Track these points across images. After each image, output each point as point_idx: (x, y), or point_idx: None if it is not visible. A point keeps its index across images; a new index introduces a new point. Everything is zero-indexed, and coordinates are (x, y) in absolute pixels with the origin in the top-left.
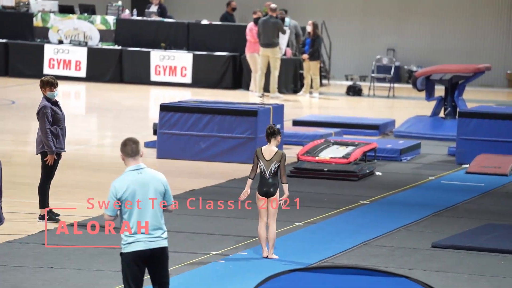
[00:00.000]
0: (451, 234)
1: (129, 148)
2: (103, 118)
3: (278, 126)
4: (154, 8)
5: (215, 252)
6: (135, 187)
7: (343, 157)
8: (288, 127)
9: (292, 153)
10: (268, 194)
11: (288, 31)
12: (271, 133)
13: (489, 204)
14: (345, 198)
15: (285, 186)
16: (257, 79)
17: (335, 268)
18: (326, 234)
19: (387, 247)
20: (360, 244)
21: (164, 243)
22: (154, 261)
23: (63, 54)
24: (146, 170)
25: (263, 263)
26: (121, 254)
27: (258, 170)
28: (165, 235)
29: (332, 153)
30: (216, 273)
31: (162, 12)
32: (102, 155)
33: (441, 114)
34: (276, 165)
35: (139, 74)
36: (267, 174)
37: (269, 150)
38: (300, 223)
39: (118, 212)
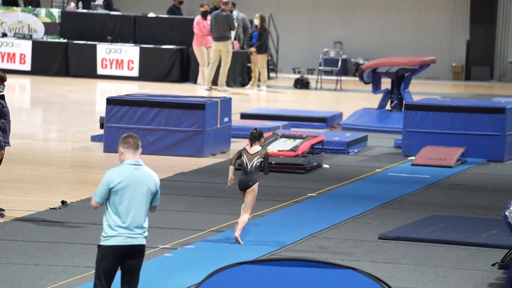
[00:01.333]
0: (397, 226)
1: (132, 140)
2: (49, 112)
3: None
4: (100, 1)
5: (162, 246)
6: (129, 182)
7: (291, 150)
8: (236, 120)
9: (239, 146)
10: (246, 188)
11: (236, 25)
12: (258, 136)
13: (435, 195)
14: (292, 191)
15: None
16: (206, 72)
17: (283, 260)
18: (274, 227)
19: (335, 239)
20: (308, 237)
21: (144, 241)
22: (131, 258)
23: (7, 47)
24: (144, 168)
25: (211, 256)
26: (99, 246)
27: (240, 164)
28: (146, 233)
29: (280, 146)
30: (163, 266)
31: (108, 5)
32: (47, 149)
33: (388, 107)
34: (259, 160)
35: (85, 68)
36: (249, 167)
37: (254, 148)
38: (249, 216)
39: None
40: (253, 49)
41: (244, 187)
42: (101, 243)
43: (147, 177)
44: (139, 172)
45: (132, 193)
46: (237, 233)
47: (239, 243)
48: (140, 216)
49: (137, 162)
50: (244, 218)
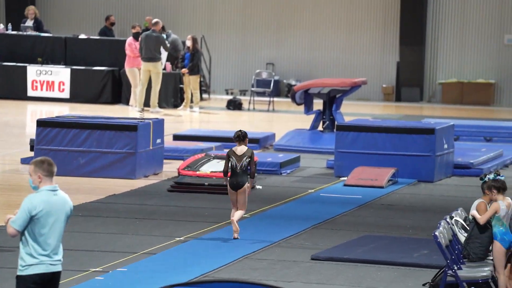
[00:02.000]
0: (330, 247)
1: (48, 168)
2: None
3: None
4: (29, 23)
5: (93, 269)
6: (50, 209)
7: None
8: (168, 142)
9: (172, 167)
10: (237, 187)
11: (168, 45)
12: (242, 137)
13: (366, 216)
14: (226, 212)
15: (251, 181)
16: (137, 94)
17: (216, 282)
18: (207, 248)
19: (268, 260)
20: (241, 258)
21: (61, 268)
22: (50, 286)
23: None
24: (60, 193)
25: (143, 279)
26: (19, 277)
27: (230, 166)
28: (62, 260)
29: (213, 167)
30: None
31: (38, 26)
32: None
33: (320, 128)
34: (247, 160)
35: (15, 90)
36: (238, 168)
37: (240, 148)
38: (181, 238)
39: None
40: (185, 70)
41: (235, 187)
42: (20, 273)
43: (64, 203)
44: (57, 198)
45: (53, 220)
46: (236, 234)
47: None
48: (58, 243)
49: (54, 188)
50: (236, 215)
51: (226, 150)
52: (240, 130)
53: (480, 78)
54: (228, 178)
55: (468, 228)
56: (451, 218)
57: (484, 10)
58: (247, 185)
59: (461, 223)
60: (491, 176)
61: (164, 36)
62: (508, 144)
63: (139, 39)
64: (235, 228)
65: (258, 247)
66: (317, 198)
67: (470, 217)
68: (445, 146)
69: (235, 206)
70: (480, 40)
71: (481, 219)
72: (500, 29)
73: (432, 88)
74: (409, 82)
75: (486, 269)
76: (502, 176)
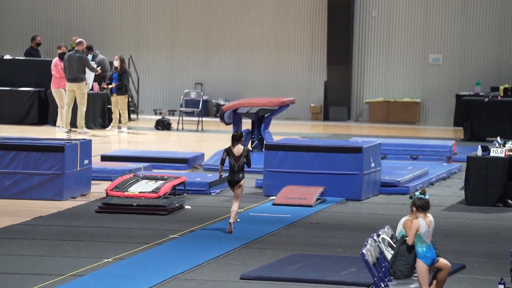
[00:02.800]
0: (259, 266)
1: None
2: None
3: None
4: None
5: None
6: None
7: (153, 191)
8: (96, 163)
9: (100, 188)
10: (234, 183)
11: (94, 66)
12: (238, 137)
13: (295, 234)
14: (154, 233)
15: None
16: (64, 115)
17: None
18: (135, 269)
19: (197, 280)
20: (170, 279)
21: None
22: None
23: None
24: None
25: None
26: None
27: (228, 165)
28: None
29: (141, 188)
30: None
31: None
32: None
33: (249, 147)
34: (244, 160)
35: None
36: (236, 167)
37: (237, 148)
38: (109, 259)
39: None
40: (111, 86)
41: (233, 184)
42: None
43: None
44: None
45: None
46: (231, 220)
47: (231, 232)
48: None
49: None
50: (234, 207)
51: (155, 171)
52: (236, 131)
53: (406, 97)
54: (228, 175)
55: (395, 246)
56: (378, 236)
57: (409, 30)
58: (244, 180)
59: (387, 240)
60: (417, 194)
61: (91, 56)
62: (433, 162)
63: (63, 59)
64: (234, 220)
65: (187, 267)
66: (246, 218)
67: (397, 234)
68: (372, 164)
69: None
70: (405, 59)
71: (409, 240)
72: (425, 48)
73: (359, 107)
74: (336, 102)
75: (412, 286)
76: (426, 195)
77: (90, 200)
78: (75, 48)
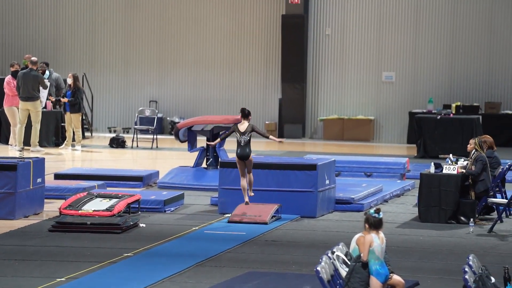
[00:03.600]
0: (214, 284)
1: None
2: None
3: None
4: None
5: None
6: None
7: (107, 209)
8: (49, 181)
9: (54, 207)
10: (244, 158)
11: (48, 84)
12: (247, 114)
13: (250, 252)
14: (108, 251)
15: (271, 137)
16: (17, 133)
17: None
18: None
19: None
20: None
21: None
22: None
23: None
24: None
25: None
26: None
27: (236, 140)
28: None
29: (95, 206)
30: None
31: None
32: None
33: (204, 165)
34: (249, 135)
35: None
36: (242, 142)
37: (243, 126)
38: (62, 279)
39: None
40: (64, 99)
41: (243, 158)
42: None
43: None
44: None
45: None
46: (250, 192)
47: (247, 203)
48: None
49: None
50: (250, 179)
51: (109, 189)
52: (244, 108)
53: (360, 114)
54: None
55: (349, 263)
56: (333, 253)
57: (363, 48)
58: (251, 154)
59: (342, 258)
60: (372, 211)
61: (48, 73)
62: (387, 179)
63: (17, 77)
64: (248, 194)
65: (141, 286)
66: (201, 236)
67: (351, 251)
68: (327, 181)
69: (244, 174)
70: (359, 77)
71: (363, 256)
72: (378, 66)
73: (314, 124)
74: (291, 119)
75: None
76: (380, 214)
77: (43, 218)
78: (30, 66)
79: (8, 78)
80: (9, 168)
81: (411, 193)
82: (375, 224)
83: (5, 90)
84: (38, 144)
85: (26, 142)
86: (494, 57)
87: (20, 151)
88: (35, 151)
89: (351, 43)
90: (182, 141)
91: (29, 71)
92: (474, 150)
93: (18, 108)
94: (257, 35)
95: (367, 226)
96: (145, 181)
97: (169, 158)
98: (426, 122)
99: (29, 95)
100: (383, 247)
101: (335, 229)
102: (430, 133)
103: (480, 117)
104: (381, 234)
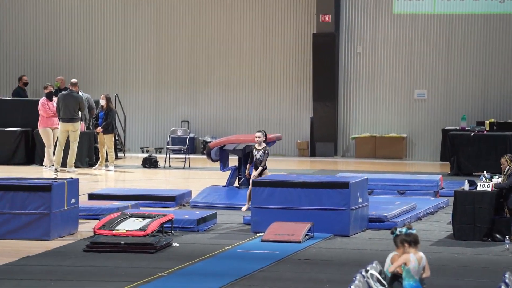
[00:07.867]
0: None
1: None
2: None
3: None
4: None
5: None
6: None
7: (140, 229)
8: (83, 202)
9: (88, 227)
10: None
11: (85, 105)
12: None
13: (284, 271)
14: (142, 271)
15: (259, 169)
16: (52, 154)
17: None
18: None
19: None
20: None
21: None
22: None
23: None
24: None
25: None
26: None
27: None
28: None
29: (129, 226)
30: None
31: None
32: None
33: (236, 184)
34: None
35: None
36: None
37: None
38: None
39: None
40: (99, 129)
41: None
42: None
43: None
44: None
45: None
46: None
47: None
48: None
49: None
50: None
51: (143, 209)
52: (261, 130)
53: (392, 132)
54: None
55: (383, 282)
56: (366, 271)
57: (394, 65)
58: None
59: (376, 276)
60: (403, 230)
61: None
62: (421, 197)
63: (57, 99)
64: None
65: None
66: (234, 255)
67: (385, 269)
68: (360, 200)
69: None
70: (391, 94)
71: (390, 268)
72: (410, 84)
73: (346, 142)
74: (323, 137)
75: None
76: (413, 230)
77: (77, 239)
78: (70, 88)
79: (43, 100)
80: (44, 189)
81: (445, 210)
82: (413, 241)
83: (39, 111)
84: (74, 165)
85: (63, 163)
86: None
87: (54, 172)
88: (69, 172)
89: (383, 61)
90: (214, 161)
91: (70, 92)
92: (507, 166)
93: (52, 130)
94: (288, 54)
95: (406, 245)
96: (177, 200)
97: (202, 178)
98: (460, 139)
99: (71, 116)
100: (421, 266)
101: (369, 247)
102: (464, 150)
103: None
104: (421, 253)
